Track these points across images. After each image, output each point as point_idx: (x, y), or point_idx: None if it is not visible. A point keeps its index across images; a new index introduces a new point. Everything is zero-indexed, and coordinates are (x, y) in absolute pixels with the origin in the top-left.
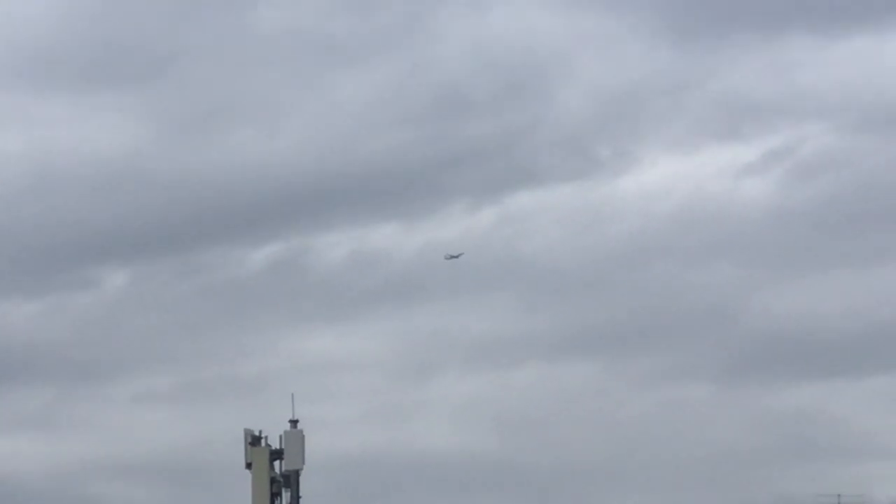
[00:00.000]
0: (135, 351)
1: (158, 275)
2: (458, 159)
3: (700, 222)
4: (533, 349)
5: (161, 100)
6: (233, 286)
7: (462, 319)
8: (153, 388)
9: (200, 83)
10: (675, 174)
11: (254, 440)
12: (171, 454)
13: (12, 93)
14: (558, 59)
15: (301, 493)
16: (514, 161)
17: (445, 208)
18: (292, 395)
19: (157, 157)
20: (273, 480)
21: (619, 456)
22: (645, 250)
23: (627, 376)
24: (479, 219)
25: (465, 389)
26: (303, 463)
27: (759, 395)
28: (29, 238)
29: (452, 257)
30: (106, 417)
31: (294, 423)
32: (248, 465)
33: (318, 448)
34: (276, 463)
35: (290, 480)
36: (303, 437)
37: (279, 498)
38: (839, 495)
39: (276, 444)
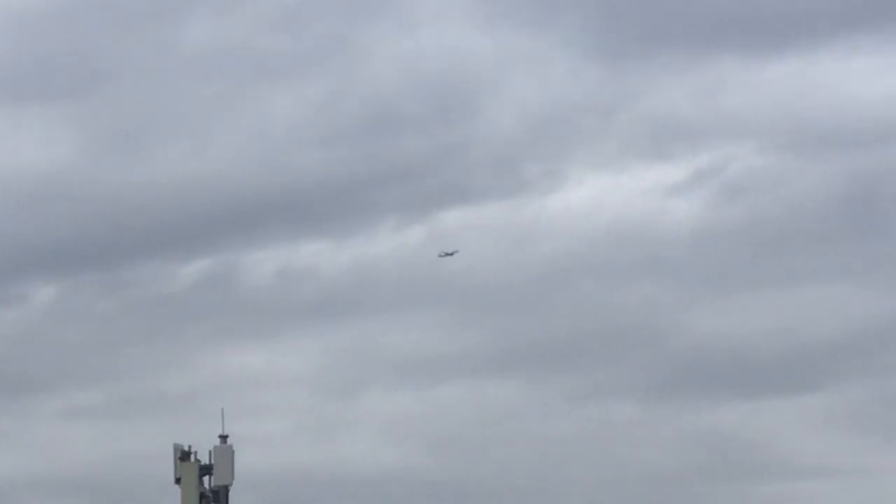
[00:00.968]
0: (62, 366)
1: (86, 290)
2: (388, 177)
3: (628, 241)
4: (461, 366)
5: (91, 115)
6: (161, 302)
7: (390, 336)
8: (80, 404)
9: (130, 99)
10: (603, 193)
11: (183, 455)
12: (99, 469)
13: None
14: (488, 79)
15: None
16: (444, 179)
17: (374, 225)
18: (222, 410)
19: (87, 172)
20: (202, 496)
21: (546, 474)
22: (573, 269)
23: (554, 394)
24: (408, 236)
25: (392, 406)
26: (232, 478)
27: (684, 414)
28: None
29: (447, 255)
30: (32, 433)
31: (224, 438)
32: (178, 481)
33: (248, 464)
34: (206, 478)
35: (220, 496)
36: (232, 452)
37: None
38: None
39: (205, 460)
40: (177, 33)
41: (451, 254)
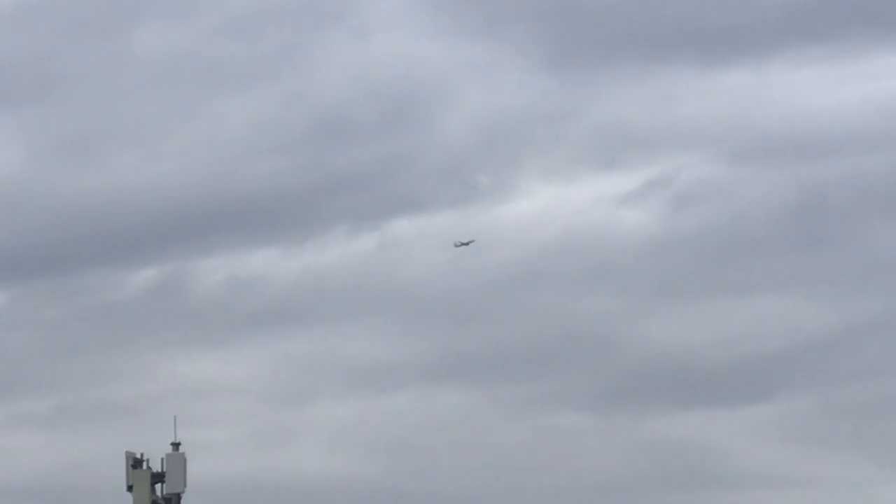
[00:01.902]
0: (11, 373)
1: (36, 297)
2: (338, 186)
3: (579, 251)
4: (411, 375)
5: (41, 123)
6: (112, 309)
7: (340, 344)
8: (31, 411)
9: (80, 107)
10: (554, 202)
11: (135, 463)
12: (50, 478)
13: None
14: (439, 88)
15: None
16: (394, 188)
17: (325, 234)
18: (174, 418)
19: (36, 179)
20: (154, 503)
21: (495, 482)
22: (523, 278)
23: (505, 403)
24: (359, 245)
25: (342, 414)
26: (184, 486)
27: (634, 423)
28: None
29: (463, 244)
30: None
31: (176, 445)
32: (130, 488)
33: (200, 471)
34: (158, 486)
35: (172, 503)
36: (185, 459)
37: None
38: None
39: (157, 467)
40: (128, 41)
41: (468, 243)
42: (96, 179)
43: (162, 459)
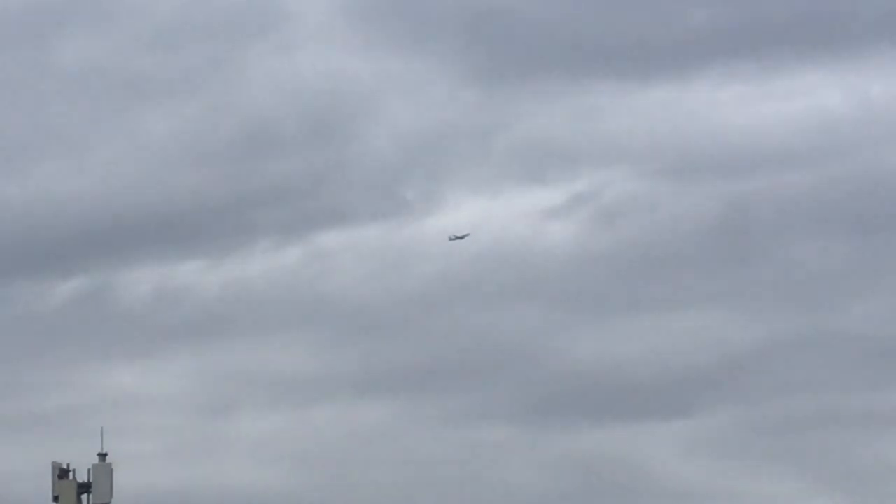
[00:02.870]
0: None
1: None
2: (264, 197)
3: (504, 264)
4: (335, 388)
5: None
6: (36, 320)
7: (265, 357)
8: None
9: (2, 118)
10: (480, 216)
11: (61, 473)
12: None
13: None
14: (364, 101)
15: None
16: (321, 200)
17: (250, 246)
18: (101, 428)
19: None
20: None
21: (420, 496)
22: (449, 291)
23: (429, 417)
24: (285, 257)
25: (266, 427)
26: (111, 497)
27: (559, 437)
28: None
29: (457, 238)
30: None
31: (103, 456)
32: (56, 499)
33: (126, 482)
34: (84, 496)
35: None
36: (111, 470)
37: None
38: None
39: (83, 478)
40: (50, 53)
41: (462, 237)
42: (20, 189)
43: (88, 470)
